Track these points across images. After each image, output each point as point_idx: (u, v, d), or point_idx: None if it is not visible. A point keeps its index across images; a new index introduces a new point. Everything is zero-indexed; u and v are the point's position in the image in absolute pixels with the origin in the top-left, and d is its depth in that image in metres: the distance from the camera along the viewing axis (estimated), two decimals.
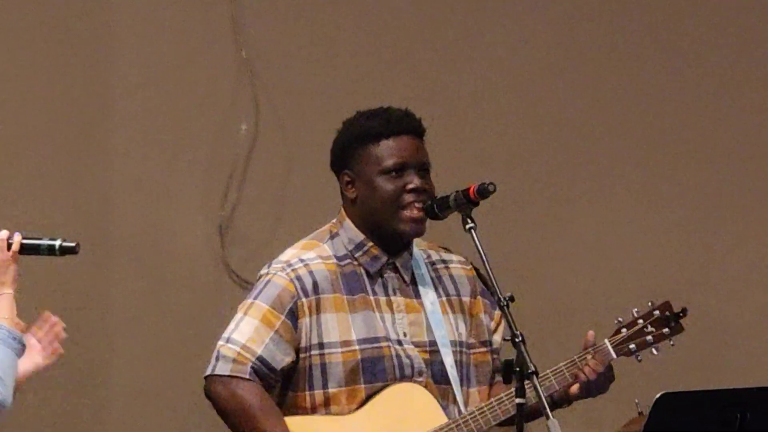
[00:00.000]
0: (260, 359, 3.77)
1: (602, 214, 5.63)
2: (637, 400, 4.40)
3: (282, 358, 3.78)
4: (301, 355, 3.82)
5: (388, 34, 5.49)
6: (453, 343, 3.91)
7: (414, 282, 3.94)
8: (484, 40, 5.66)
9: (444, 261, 4.06)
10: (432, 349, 3.87)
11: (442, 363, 3.88)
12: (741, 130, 5.91)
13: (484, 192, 3.69)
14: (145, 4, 5.42)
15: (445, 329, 3.93)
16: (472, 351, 3.95)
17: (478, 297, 4.01)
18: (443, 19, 5.67)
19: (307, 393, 3.81)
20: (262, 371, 3.76)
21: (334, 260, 3.92)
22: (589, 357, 3.80)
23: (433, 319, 3.90)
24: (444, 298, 3.97)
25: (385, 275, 3.91)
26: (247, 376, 3.79)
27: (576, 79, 5.76)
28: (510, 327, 3.55)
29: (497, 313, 3.99)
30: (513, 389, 3.49)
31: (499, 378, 3.96)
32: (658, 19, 5.98)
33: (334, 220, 3.96)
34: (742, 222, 5.78)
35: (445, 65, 5.62)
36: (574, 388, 3.77)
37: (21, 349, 3.57)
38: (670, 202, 5.74)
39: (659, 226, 5.73)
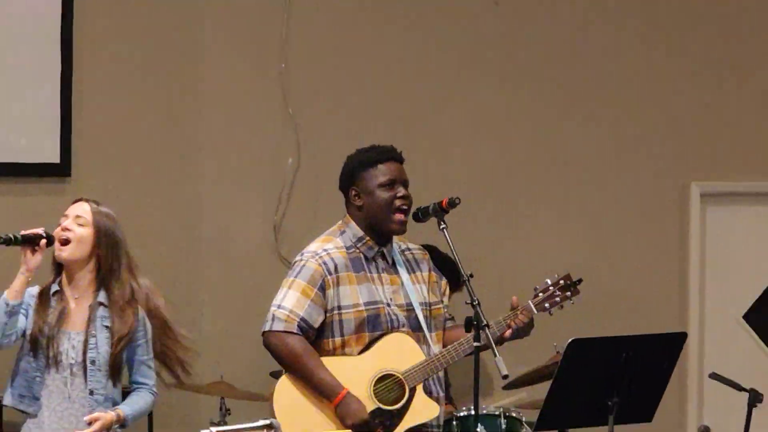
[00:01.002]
0: (303, 320, 3.99)
1: (532, 218, 6.01)
2: (555, 344, 4.67)
3: (317, 318, 4.01)
4: (327, 315, 4.05)
5: (388, 99, 5.75)
6: (422, 304, 4.16)
7: (394, 264, 4.16)
8: (452, 101, 5.92)
9: (409, 249, 4.30)
10: (408, 308, 4.14)
11: (416, 318, 4.13)
12: (622, 164, 6.12)
13: (452, 203, 4.03)
14: (225, 77, 5.69)
15: (416, 295, 4.17)
16: (432, 307, 4.20)
17: (431, 272, 4.24)
18: (427, 87, 5.84)
19: (330, 339, 4.05)
20: (304, 327, 3.98)
21: (344, 249, 4.11)
22: (518, 313, 4.08)
23: (408, 289, 4.18)
24: (412, 274, 4.22)
25: (377, 260, 4.13)
26: (295, 331, 3.98)
27: (514, 132, 6.01)
28: (470, 294, 3.83)
29: (443, 282, 4.31)
30: (470, 336, 3.89)
31: (449, 323, 4.33)
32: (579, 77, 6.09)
33: (340, 222, 4.18)
34: (623, 225, 6.13)
35: (427, 119, 5.81)
36: (507, 333, 4.08)
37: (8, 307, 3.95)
38: (577, 211, 6.09)
39: (570, 226, 6.09)
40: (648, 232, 6.11)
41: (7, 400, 4.01)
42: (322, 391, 3.99)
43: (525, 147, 6.01)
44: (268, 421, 3.53)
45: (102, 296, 4.04)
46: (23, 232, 3.97)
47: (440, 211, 4.03)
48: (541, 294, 4.14)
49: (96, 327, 4.00)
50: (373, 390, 4.00)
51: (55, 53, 5.47)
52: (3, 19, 5.39)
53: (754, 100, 6.24)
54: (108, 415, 4.02)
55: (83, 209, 4.14)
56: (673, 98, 6.15)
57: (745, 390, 4.97)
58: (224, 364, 5.29)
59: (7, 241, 3.97)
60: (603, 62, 6.03)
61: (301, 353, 3.99)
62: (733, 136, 6.23)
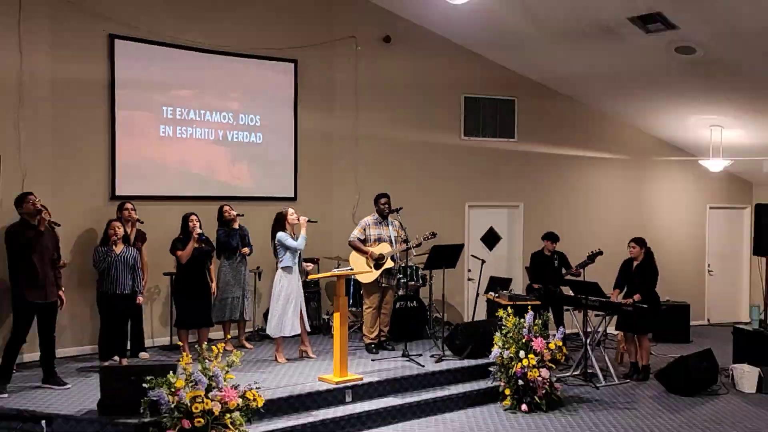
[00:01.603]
0: (358, 238, 7.77)
1: (419, 212, 9.09)
2: (430, 245, 8.01)
3: (363, 238, 7.73)
4: (366, 236, 7.75)
5: (389, 182, 8.66)
6: (395, 237, 7.86)
7: (387, 225, 7.74)
8: (403, 180, 8.98)
9: (393, 220, 7.67)
10: (390, 239, 7.75)
11: (391, 240, 7.79)
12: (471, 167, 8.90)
13: (400, 208, 7.91)
14: (341, 171, 8.52)
15: (394, 236, 7.83)
16: (398, 237, 7.83)
17: (399, 228, 7.79)
18: (399, 179, 8.74)
19: (367, 244, 7.87)
20: (360, 239, 7.75)
21: (374, 220, 7.74)
22: (415, 242, 7.67)
23: (391, 232, 7.80)
24: (392, 227, 7.75)
25: (382, 223, 7.69)
26: (357, 241, 7.96)
27: (419, 188, 9.03)
28: (405, 234, 7.89)
29: (402, 231, 7.64)
30: (406, 244, 7.88)
31: (403, 244, 7.78)
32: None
33: (373, 213, 7.70)
34: (445, 217, 9.38)
35: (399, 185, 8.49)
36: (413, 247, 7.37)
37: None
38: (430, 210, 9.26)
39: (429, 215, 9.45)
40: (452, 221, 9.76)
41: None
42: (364, 252, 7.62)
43: (418, 191, 9.49)
44: (351, 267, 7.62)
45: None
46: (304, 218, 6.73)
47: (397, 210, 7.86)
48: (423, 236, 7.75)
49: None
50: (376, 258, 7.50)
51: (291, 133, 8.04)
52: (275, 117, 7.66)
53: (494, 162, 9.67)
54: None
55: None
56: (465, 169, 9.47)
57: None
58: (339, 255, 9.27)
59: (312, 222, 6.76)
60: (434, 159, 9.18)
61: (359, 244, 7.80)
62: (481, 183, 9.58)
